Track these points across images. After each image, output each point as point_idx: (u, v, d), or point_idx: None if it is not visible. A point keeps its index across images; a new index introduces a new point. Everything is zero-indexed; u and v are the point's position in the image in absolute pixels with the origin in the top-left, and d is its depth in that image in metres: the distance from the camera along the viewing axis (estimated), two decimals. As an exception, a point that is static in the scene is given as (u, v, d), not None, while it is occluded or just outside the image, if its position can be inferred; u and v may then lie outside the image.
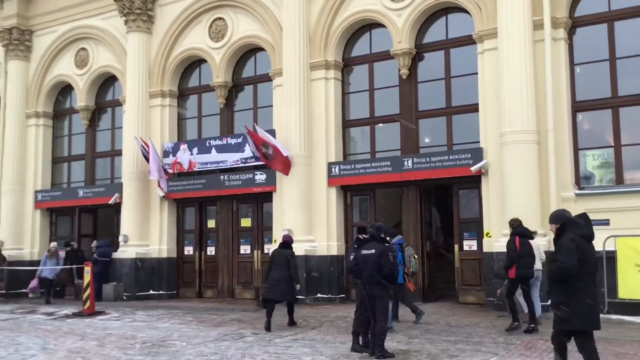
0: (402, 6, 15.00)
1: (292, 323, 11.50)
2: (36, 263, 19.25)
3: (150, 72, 18.51)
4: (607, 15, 13.08)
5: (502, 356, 8.28)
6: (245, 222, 17.51)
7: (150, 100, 18.44)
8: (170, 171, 17.90)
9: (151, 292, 17.75)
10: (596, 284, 6.33)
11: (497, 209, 13.27)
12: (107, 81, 20.34)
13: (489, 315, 12.18)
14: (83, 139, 20.75)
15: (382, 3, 15.26)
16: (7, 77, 21.15)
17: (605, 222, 12.38)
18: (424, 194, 15.16)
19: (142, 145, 17.60)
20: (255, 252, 17.13)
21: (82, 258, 18.32)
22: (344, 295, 15.30)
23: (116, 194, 18.52)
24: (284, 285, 11.28)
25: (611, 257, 11.85)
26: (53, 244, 18.09)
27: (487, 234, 13.54)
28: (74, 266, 17.93)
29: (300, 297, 13.12)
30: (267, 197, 16.56)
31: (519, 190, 12.74)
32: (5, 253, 19.62)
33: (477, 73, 14.05)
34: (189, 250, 18.35)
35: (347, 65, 16.19)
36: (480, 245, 13.81)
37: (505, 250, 12.30)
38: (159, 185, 17.74)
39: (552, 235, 12.32)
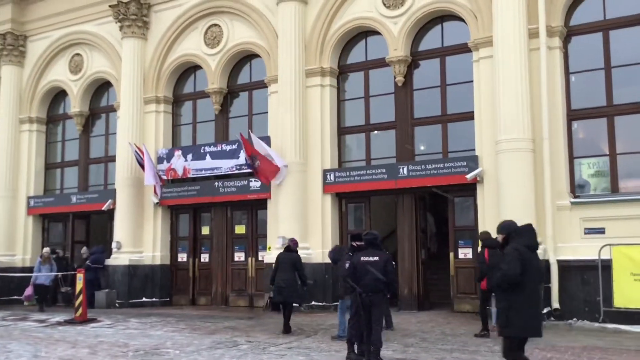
0: (398, 14, 15.01)
1: (287, 330, 11.41)
2: (28, 270, 19.09)
3: (145, 78, 18.45)
4: (602, 24, 13.12)
5: (498, 365, 8.21)
6: (240, 229, 17.44)
7: (144, 106, 18.37)
8: (164, 177, 17.81)
9: (144, 299, 17.62)
10: (540, 292, 6.50)
11: (493, 217, 13.19)
12: (101, 87, 20.26)
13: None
14: (77, 144, 20.63)
15: (377, 11, 15.27)
16: (1, 82, 21.03)
17: (601, 231, 12.41)
18: (419, 201, 15.12)
19: (136, 152, 17.51)
20: (250, 259, 17.05)
21: (67, 266, 18.13)
22: (337, 303, 15.18)
23: (109, 200, 18.40)
24: (289, 289, 11.48)
25: (606, 265, 11.84)
26: (46, 250, 17.85)
27: (483, 242, 13.48)
28: (59, 274, 17.72)
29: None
30: (262, 204, 16.49)
31: (514, 198, 12.72)
32: (-3, 259, 19.48)
33: (472, 81, 14.06)
34: (182, 257, 18.23)
35: (342, 72, 16.17)
36: (475, 253, 13.75)
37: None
38: (155, 192, 17.62)
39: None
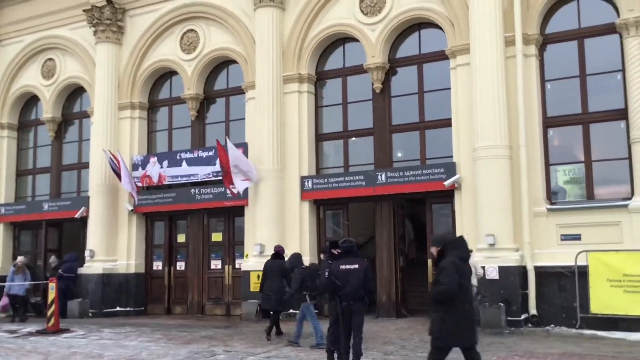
0: (376, 21, 15.03)
1: (278, 333, 11.59)
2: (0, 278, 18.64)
3: (120, 84, 18.19)
4: (577, 32, 13.28)
5: (479, 373, 8.17)
6: (217, 237, 17.25)
7: (119, 112, 18.11)
8: (139, 185, 17.54)
9: (118, 308, 17.31)
10: (471, 301, 6.70)
11: (470, 223, 13.27)
12: (74, 92, 19.93)
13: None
14: (49, 151, 20.26)
15: (355, 17, 15.27)
16: (-29, 87, 20.60)
17: (577, 237, 12.53)
18: (397, 208, 15.11)
19: (110, 158, 17.22)
20: (227, 267, 16.86)
21: (34, 275, 17.60)
22: (317, 311, 15.06)
23: (83, 208, 18.07)
24: (276, 296, 11.57)
25: (583, 272, 11.94)
26: (20, 259, 17.18)
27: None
28: (31, 283, 17.21)
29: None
30: (239, 211, 16.33)
31: (492, 205, 12.79)
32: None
33: (450, 88, 14.12)
34: (158, 265, 17.96)
35: (320, 78, 16.12)
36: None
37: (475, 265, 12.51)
38: (133, 197, 17.27)
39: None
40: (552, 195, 13.25)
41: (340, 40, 15.88)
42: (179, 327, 14.11)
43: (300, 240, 15.20)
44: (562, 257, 12.35)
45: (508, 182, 12.84)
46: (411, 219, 16.65)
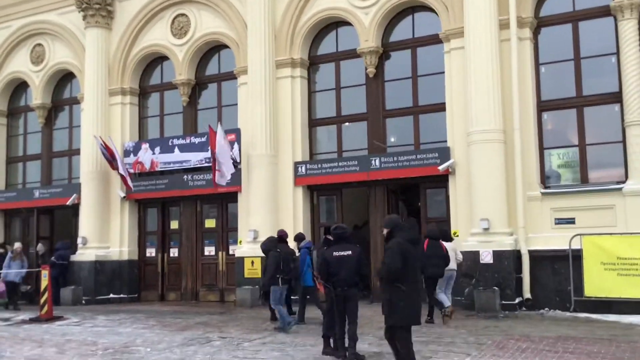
0: (369, 4, 14.88)
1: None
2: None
3: (110, 69, 17.98)
4: (571, 15, 13.21)
5: (475, 356, 8.19)
6: (210, 223, 17.17)
7: (109, 98, 17.92)
8: (132, 171, 17.39)
9: (112, 295, 17.24)
10: (419, 282, 6.95)
11: (465, 208, 13.28)
12: (64, 78, 19.70)
13: (458, 314, 12.09)
14: (39, 137, 20.05)
15: (348, 1, 15.12)
16: (-41, 73, 20.31)
17: (571, 221, 12.57)
18: (391, 193, 15.06)
19: (101, 144, 17.04)
20: (220, 253, 16.80)
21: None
22: (309, 297, 15.03)
23: (74, 195, 17.94)
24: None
25: (577, 255, 11.98)
26: (17, 245, 16.84)
27: (455, 233, 13.51)
28: (24, 270, 16.93)
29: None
30: (232, 197, 16.25)
31: (486, 189, 12.78)
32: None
33: (444, 72, 14.04)
34: (151, 252, 17.88)
35: (313, 63, 15.99)
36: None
37: (470, 250, 12.57)
38: (127, 185, 17.07)
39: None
40: (546, 179, 13.25)
41: (333, 24, 15.73)
42: (173, 314, 14.07)
43: (294, 226, 15.08)
44: (556, 240, 12.38)
45: (502, 167, 12.82)
46: (405, 204, 16.60)
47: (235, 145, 15.72)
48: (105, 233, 17.56)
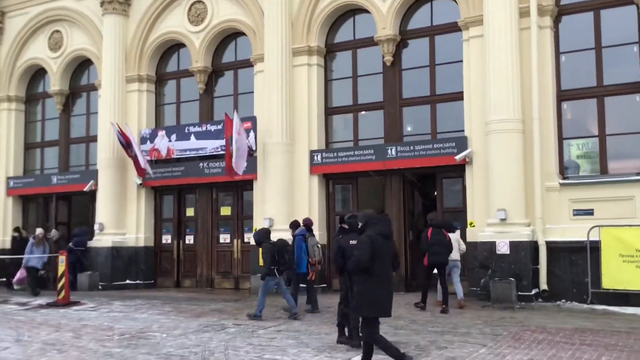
0: (387, -9, 14.74)
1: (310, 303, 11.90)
2: (7, 251, 18.72)
3: (127, 56, 18.01)
4: (593, 3, 12.98)
5: (491, 347, 8.14)
6: (225, 211, 17.22)
7: (127, 85, 17.97)
8: (148, 158, 17.46)
9: (128, 281, 17.37)
10: (390, 275, 7.06)
11: (482, 198, 13.17)
12: (81, 65, 19.77)
13: (473, 305, 12.08)
14: (57, 124, 20.18)
15: (366, -12, 14.98)
16: (-22, 59, 20.48)
17: (590, 212, 12.42)
18: (407, 183, 14.99)
19: (118, 132, 17.12)
20: (235, 241, 16.85)
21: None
22: (325, 285, 15.08)
23: (91, 181, 18.07)
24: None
25: (595, 247, 11.84)
26: (39, 231, 16.72)
27: (471, 223, 13.45)
28: (44, 255, 16.96)
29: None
30: (248, 185, 16.26)
31: (503, 179, 12.65)
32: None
33: (462, 61, 13.88)
34: (167, 239, 17.98)
35: (330, 51, 15.89)
36: (463, 235, 13.66)
37: (487, 240, 12.49)
38: (146, 171, 17.03)
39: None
40: (565, 169, 13.10)
41: (350, 11, 15.61)
42: (188, 300, 14.16)
43: (309, 215, 15.03)
44: (574, 232, 12.25)
45: (520, 157, 12.69)
46: (422, 193, 16.51)
47: (251, 133, 15.73)
48: (122, 220, 17.67)
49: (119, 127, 17.15)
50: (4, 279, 18.20)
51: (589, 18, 13.04)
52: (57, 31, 19.67)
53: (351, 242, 8.29)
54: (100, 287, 16.96)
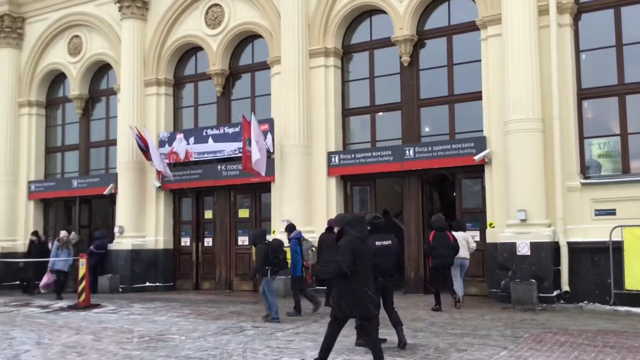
0: (404, -9, 14.66)
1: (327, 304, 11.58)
2: (25, 255, 18.86)
3: (145, 60, 18.14)
4: (613, 0, 12.78)
5: (512, 350, 8.03)
6: (243, 213, 17.26)
7: (145, 89, 18.10)
8: (167, 161, 17.56)
9: (147, 284, 17.48)
10: (372, 278, 7.11)
11: (501, 199, 13.04)
12: (101, 69, 19.95)
13: (493, 307, 11.97)
14: (77, 128, 20.38)
15: (382, -11, 14.92)
16: (-1, 65, 20.75)
17: (612, 212, 12.23)
18: (425, 183, 14.89)
19: (137, 135, 17.24)
20: (254, 243, 16.85)
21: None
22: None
23: (111, 185, 18.21)
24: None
25: (617, 247, 11.65)
26: (63, 234, 16.86)
27: (491, 224, 13.32)
28: (70, 258, 17.07)
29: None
30: (266, 187, 16.27)
31: (523, 179, 12.51)
32: (-2, 245, 19.21)
33: (480, 60, 13.78)
34: (185, 241, 18.07)
35: (347, 52, 15.86)
36: (483, 236, 13.55)
37: (507, 241, 12.37)
38: (163, 174, 17.14)
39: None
40: (586, 169, 12.92)
41: (366, 12, 15.57)
42: (207, 303, 14.19)
43: (327, 217, 15.00)
44: (596, 232, 12.07)
45: (540, 156, 12.54)
46: (440, 194, 16.41)
47: (269, 135, 15.74)
48: (141, 222, 17.78)
49: (138, 131, 17.27)
50: (20, 282, 18.40)
51: (609, 15, 12.86)
52: (77, 36, 19.87)
53: (377, 243, 8.21)
54: (120, 289, 17.10)
